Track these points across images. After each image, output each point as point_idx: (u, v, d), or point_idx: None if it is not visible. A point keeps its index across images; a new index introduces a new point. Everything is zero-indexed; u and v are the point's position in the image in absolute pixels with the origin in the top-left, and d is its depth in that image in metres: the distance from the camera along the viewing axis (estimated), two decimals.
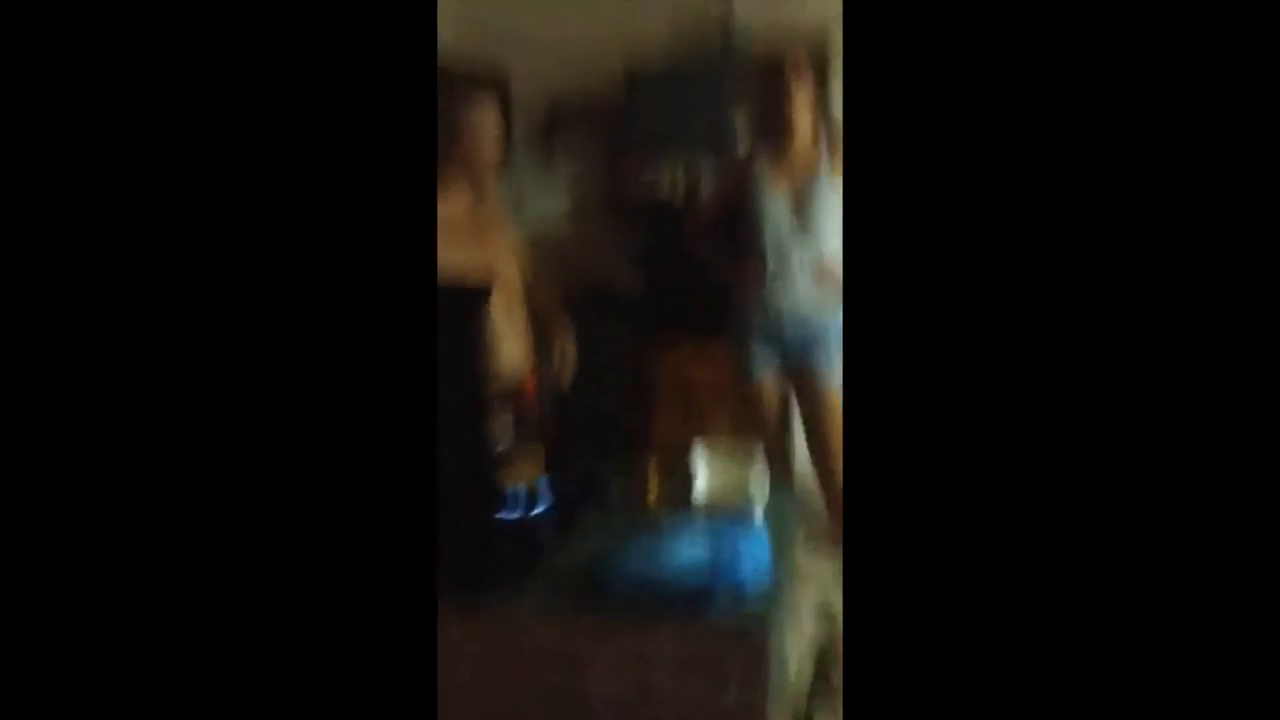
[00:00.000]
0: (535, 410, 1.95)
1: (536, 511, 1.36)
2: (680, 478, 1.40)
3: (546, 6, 3.29)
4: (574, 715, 1.07)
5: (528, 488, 1.39)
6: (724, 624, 1.05)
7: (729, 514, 1.31)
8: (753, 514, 1.32)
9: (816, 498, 2.13)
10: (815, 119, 1.98)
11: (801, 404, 2.13)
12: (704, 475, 1.42)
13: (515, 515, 1.35)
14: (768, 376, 2.12)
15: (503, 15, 3.32)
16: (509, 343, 1.82)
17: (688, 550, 1.11)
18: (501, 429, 1.79)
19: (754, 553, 1.12)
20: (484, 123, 1.73)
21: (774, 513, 1.37)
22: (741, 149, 2.21)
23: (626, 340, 3.24)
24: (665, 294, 3.08)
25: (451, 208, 1.75)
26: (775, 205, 2.00)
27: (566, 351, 1.97)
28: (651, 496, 1.40)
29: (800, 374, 2.09)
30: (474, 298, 1.73)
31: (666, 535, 1.16)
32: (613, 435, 3.38)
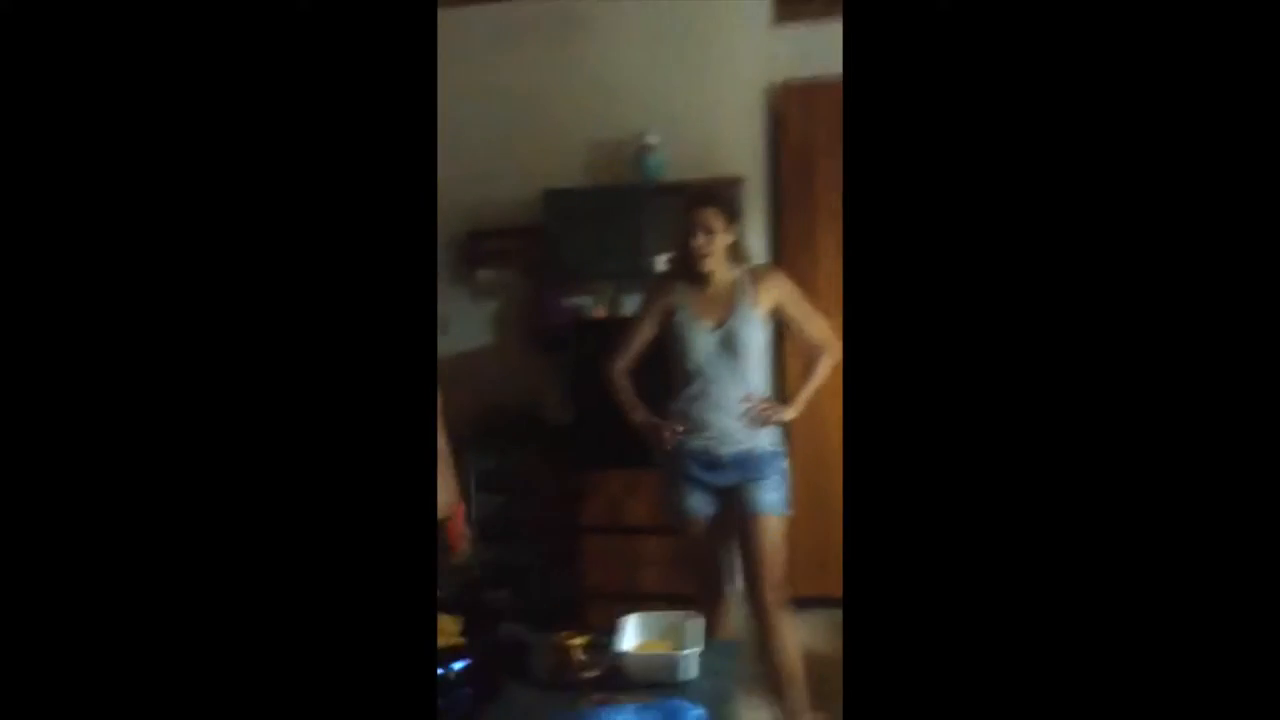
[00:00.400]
0: (459, 551, 1.80)
1: (456, 667, 1.22)
2: (607, 646, 1.27)
3: (467, 134, 3.32)
4: None
5: (451, 648, 1.24)
6: None
7: (659, 685, 1.18)
8: (682, 686, 1.19)
9: (755, 637, 2.00)
10: (730, 257, 1.99)
11: (740, 538, 2.01)
12: (632, 643, 1.29)
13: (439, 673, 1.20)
14: (701, 509, 2.03)
15: None
16: (438, 479, 1.69)
17: None
18: None
19: None
20: None
21: (711, 672, 1.25)
22: (660, 281, 2.16)
23: (554, 471, 3.12)
24: (594, 422, 2.99)
25: None
26: (700, 338, 1.96)
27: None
28: (577, 667, 1.26)
29: (735, 506, 1.99)
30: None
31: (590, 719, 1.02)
32: (538, 584, 3.20)
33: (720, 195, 2.01)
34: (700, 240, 1.91)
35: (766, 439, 1.98)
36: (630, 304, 3.18)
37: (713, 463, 1.98)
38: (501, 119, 3.28)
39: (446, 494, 1.76)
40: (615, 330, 3.03)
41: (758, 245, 3.08)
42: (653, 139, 3.07)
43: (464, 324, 3.39)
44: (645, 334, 2.10)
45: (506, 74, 3.29)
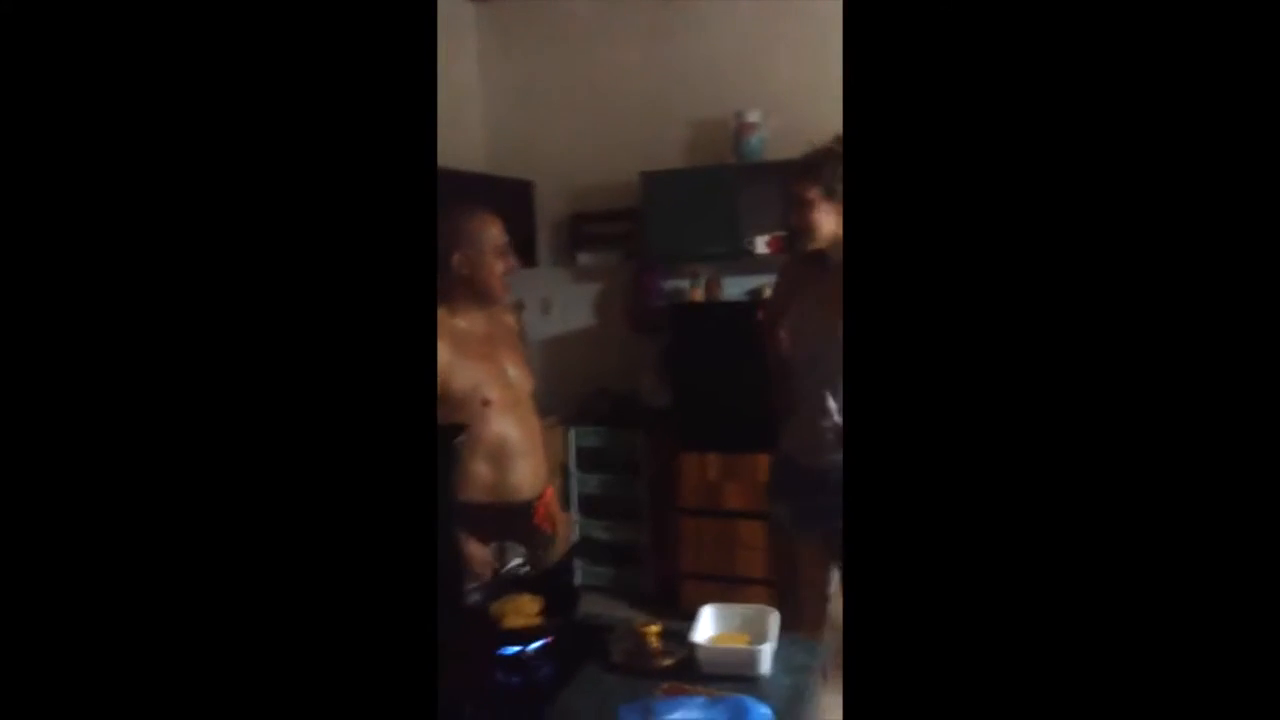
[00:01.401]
0: (547, 531, 1.84)
1: (534, 646, 1.25)
2: (683, 635, 1.27)
3: (569, 119, 3.36)
4: None
5: (528, 628, 1.28)
6: None
7: (733, 678, 1.18)
8: (756, 681, 1.18)
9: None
10: (826, 231, 1.74)
11: (831, 552, 1.80)
12: (709, 634, 1.29)
13: (512, 652, 1.24)
14: (790, 522, 1.83)
15: (530, 129, 3.41)
16: (526, 459, 1.74)
17: None
18: (509, 551, 1.69)
19: None
20: (486, 238, 1.70)
21: (790, 668, 1.23)
22: (788, 261, 1.96)
23: (654, 452, 3.14)
24: (691, 405, 2.99)
25: (460, 323, 1.71)
26: (804, 327, 1.78)
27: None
28: (652, 654, 1.27)
29: (826, 522, 1.76)
30: (477, 410, 1.66)
31: (654, 716, 1.03)
32: (636, 563, 3.25)
33: (816, 164, 1.72)
34: (796, 215, 1.74)
35: None
36: (730, 287, 3.15)
37: (797, 479, 1.81)
38: (602, 101, 3.30)
39: (537, 475, 1.80)
40: (712, 313, 3.03)
41: None
42: (753, 117, 3.01)
43: (566, 306, 3.46)
44: (779, 298, 1.92)
45: (605, 56, 3.30)
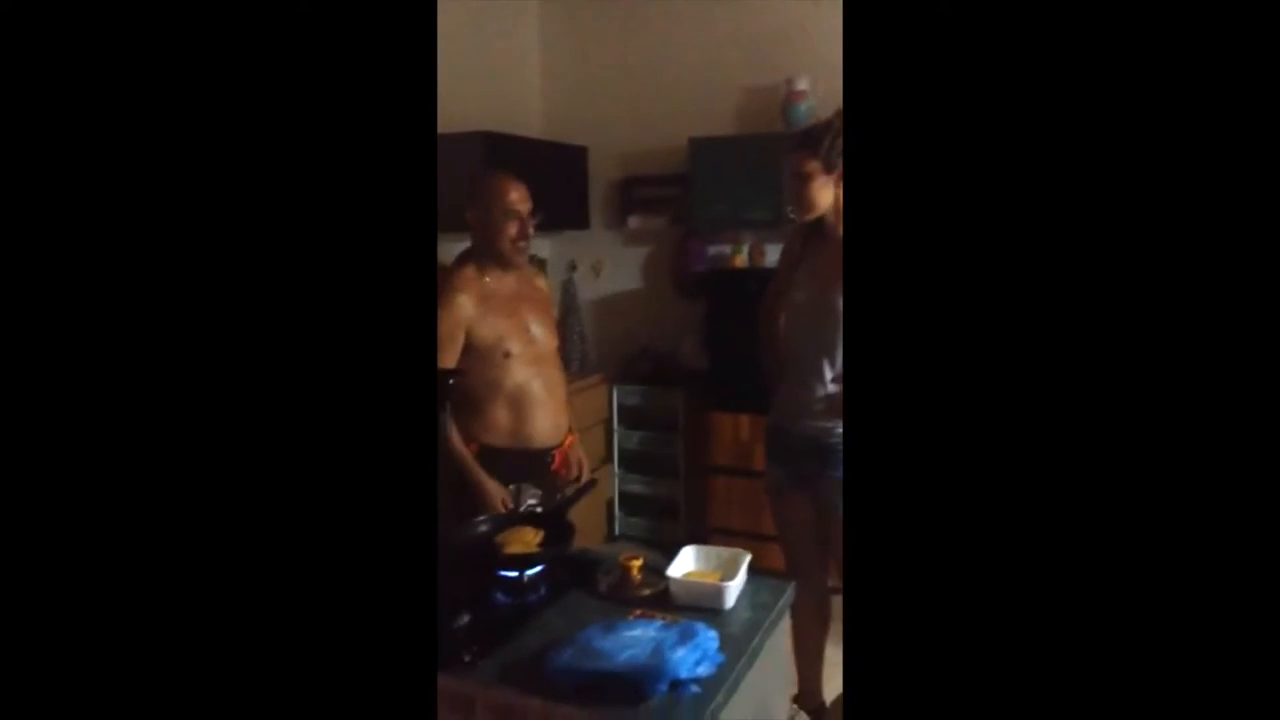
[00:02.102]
0: (565, 477, 2.00)
1: (530, 572, 1.41)
2: (660, 574, 1.41)
3: (623, 87, 3.44)
4: None
5: (527, 557, 1.44)
6: None
7: (700, 608, 1.31)
8: (722, 613, 1.30)
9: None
10: (827, 208, 1.75)
11: (825, 533, 1.87)
12: (685, 570, 1.41)
13: (511, 575, 1.40)
14: (782, 489, 1.91)
15: (586, 96, 3.52)
16: (544, 409, 1.89)
17: (626, 651, 1.11)
18: (524, 492, 1.86)
19: (694, 660, 1.10)
20: (497, 200, 1.83)
21: (756, 605, 1.35)
22: (794, 231, 1.93)
23: (690, 412, 3.26)
24: (726, 368, 3.08)
25: (493, 282, 1.86)
26: (796, 299, 1.81)
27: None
28: (634, 585, 1.41)
29: (819, 498, 1.84)
30: (499, 362, 1.82)
31: (612, 632, 1.17)
32: (670, 516, 3.38)
33: (814, 136, 1.73)
34: (794, 187, 1.74)
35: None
36: (773, 253, 3.20)
37: (789, 442, 1.86)
38: (655, 70, 3.37)
39: (557, 425, 1.94)
40: (752, 280, 3.09)
41: None
42: (802, 84, 3.03)
43: (615, 268, 3.58)
44: (778, 281, 1.94)
45: (659, 26, 3.35)
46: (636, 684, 1.07)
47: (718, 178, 3.11)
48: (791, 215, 1.83)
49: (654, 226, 3.45)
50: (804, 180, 1.74)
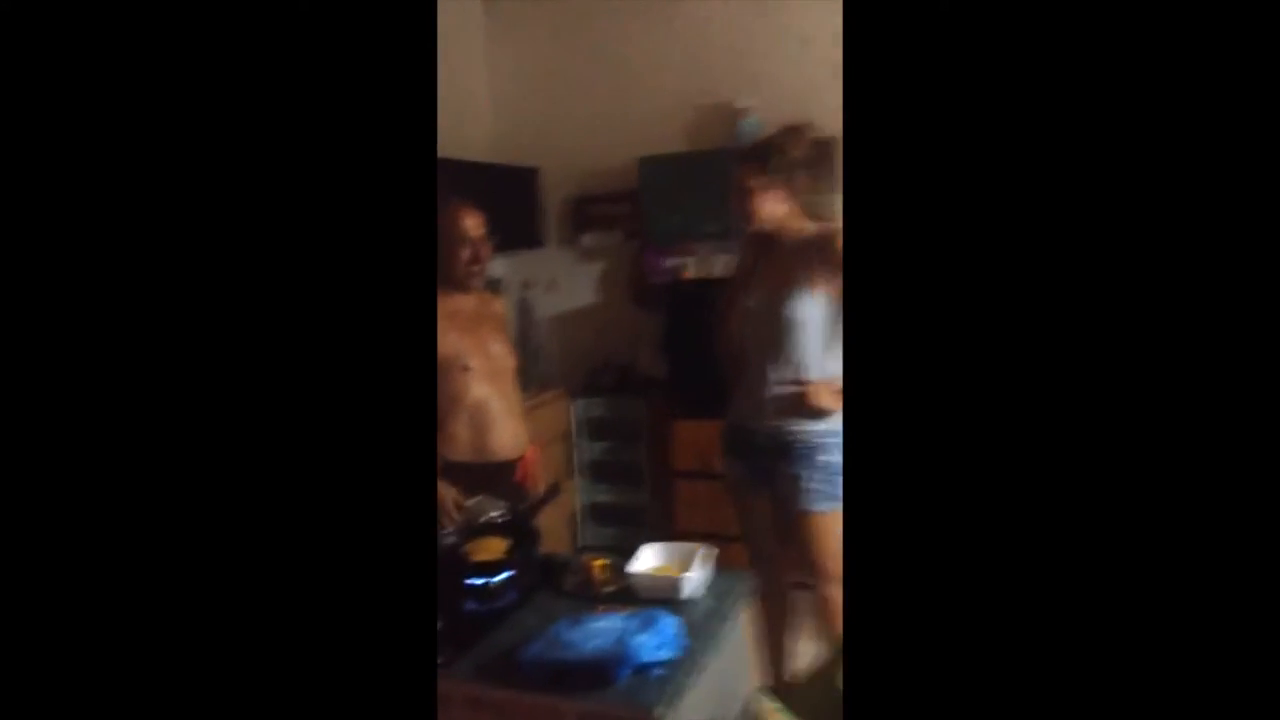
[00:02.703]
0: (528, 489, 2.06)
1: (498, 578, 1.47)
2: (622, 570, 1.48)
3: (572, 107, 3.54)
4: None
5: (494, 563, 1.50)
6: (619, 712, 1.11)
7: (664, 601, 1.38)
8: (683, 604, 1.38)
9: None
10: (791, 220, 1.84)
11: (785, 530, 1.95)
12: (646, 567, 1.49)
13: (479, 582, 1.46)
14: (744, 487, 1.99)
15: (535, 118, 3.60)
16: (503, 423, 1.96)
17: (592, 641, 1.18)
18: (487, 505, 1.91)
19: (656, 644, 1.18)
20: (453, 227, 1.91)
21: (718, 594, 1.43)
22: (746, 242, 2.03)
23: (651, 420, 3.35)
24: (685, 375, 3.18)
25: (452, 302, 1.92)
26: (747, 305, 1.89)
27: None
28: (598, 584, 1.48)
29: (778, 495, 1.92)
30: (457, 375, 1.89)
31: (578, 624, 1.24)
32: (634, 529, 3.45)
33: (760, 150, 1.81)
34: (735, 201, 1.82)
35: (810, 426, 1.82)
36: (722, 265, 3.31)
37: (747, 441, 1.93)
38: (603, 90, 3.47)
39: (517, 438, 2.01)
40: (706, 290, 3.19)
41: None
42: (746, 102, 3.15)
43: (572, 284, 3.65)
44: (732, 290, 2.00)
45: (606, 46, 3.45)
46: (603, 670, 1.14)
47: (669, 194, 3.21)
48: (741, 226, 1.92)
49: (607, 243, 3.53)
50: (745, 194, 1.83)
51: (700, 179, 3.15)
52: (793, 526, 1.91)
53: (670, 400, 3.21)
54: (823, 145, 2.84)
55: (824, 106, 3.12)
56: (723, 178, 3.06)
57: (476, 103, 3.62)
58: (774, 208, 1.84)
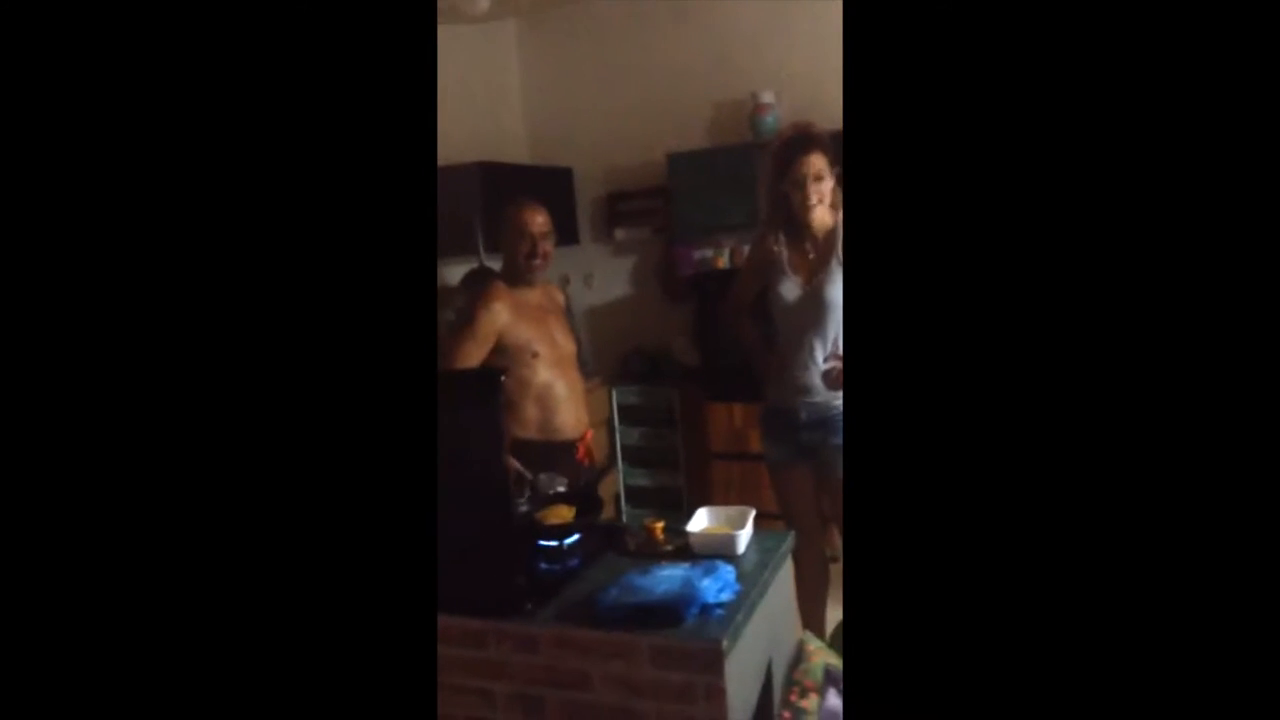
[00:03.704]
0: (587, 465, 2.24)
1: (568, 541, 1.65)
2: (681, 530, 1.66)
3: (602, 109, 3.71)
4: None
5: (564, 527, 1.68)
6: (694, 647, 1.29)
7: (717, 557, 1.55)
8: (734, 559, 1.55)
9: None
10: (826, 206, 1.98)
11: (829, 502, 2.10)
12: (700, 527, 1.66)
13: (552, 544, 1.64)
14: (785, 464, 2.13)
15: (567, 121, 3.77)
16: (567, 406, 2.15)
17: (661, 585, 1.35)
18: (553, 480, 2.10)
19: (718, 587, 1.35)
20: (514, 225, 2.10)
21: (762, 550, 1.61)
22: (764, 230, 2.17)
23: (686, 405, 3.52)
24: (718, 361, 3.34)
25: (521, 294, 2.11)
26: (787, 290, 2.04)
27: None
28: (658, 543, 1.66)
29: (822, 467, 2.07)
30: (527, 361, 2.08)
31: (648, 573, 1.41)
32: (672, 510, 3.63)
33: (824, 139, 1.95)
34: (809, 187, 1.94)
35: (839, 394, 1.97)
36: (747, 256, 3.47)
37: (791, 420, 2.07)
38: (630, 91, 3.63)
39: (579, 419, 2.20)
40: (734, 280, 3.35)
41: None
42: (767, 98, 3.30)
43: (605, 278, 3.83)
44: (748, 283, 2.19)
45: (631, 51, 3.62)
46: (673, 610, 1.31)
47: (696, 188, 3.37)
48: (794, 214, 2.03)
49: (639, 237, 3.70)
50: (823, 181, 1.96)
51: (725, 173, 3.30)
52: (837, 495, 2.07)
53: (703, 386, 3.38)
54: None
55: (839, 98, 3.26)
56: (746, 171, 3.26)
57: (513, 110, 3.80)
58: (829, 193, 1.99)
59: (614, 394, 3.65)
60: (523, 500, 1.83)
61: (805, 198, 1.98)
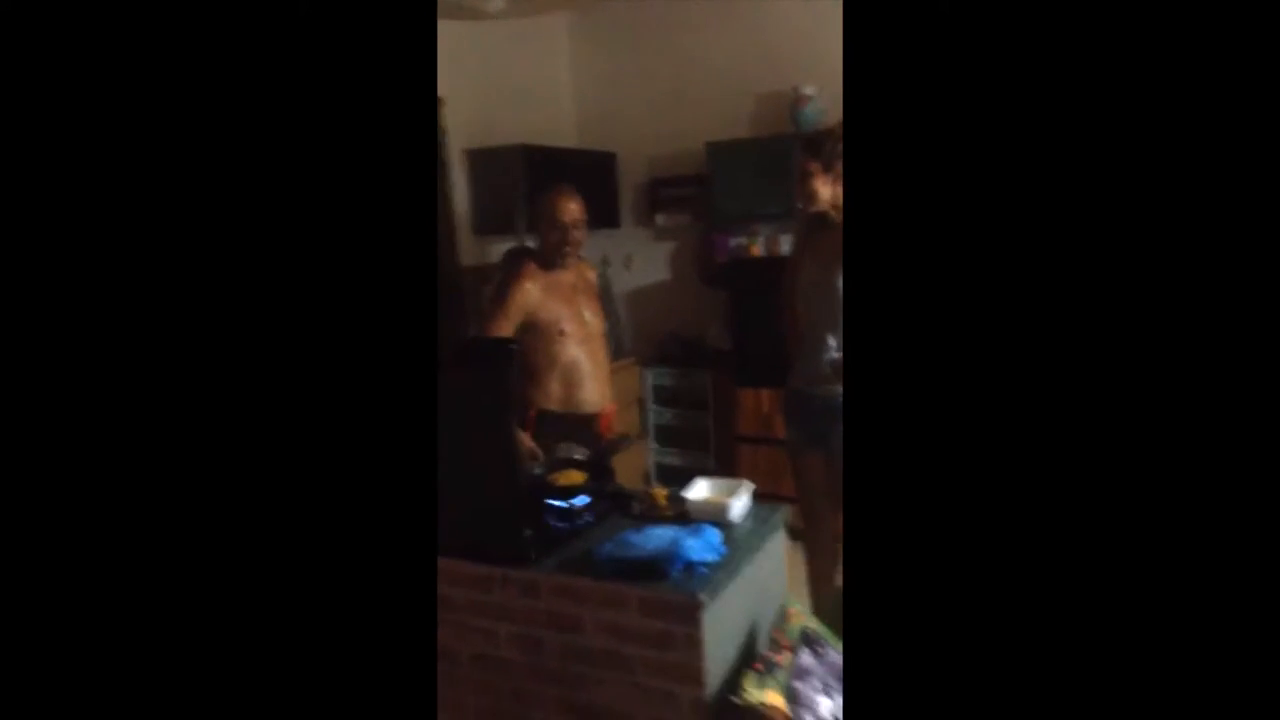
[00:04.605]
0: (608, 436, 2.37)
1: (577, 502, 1.77)
2: (681, 497, 1.77)
3: (647, 97, 3.81)
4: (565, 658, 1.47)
5: (574, 488, 1.81)
6: (675, 600, 1.40)
7: (712, 522, 1.66)
8: (728, 525, 1.66)
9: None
10: (838, 200, 2.05)
11: (831, 468, 2.15)
12: (699, 496, 1.77)
13: (561, 504, 1.77)
14: (801, 448, 2.23)
15: (614, 108, 3.88)
16: (591, 380, 2.28)
17: (652, 543, 1.46)
18: (570, 447, 2.23)
19: (702, 547, 1.46)
20: (548, 212, 2.22)
21: (758, 520, 1.71)
22: (801, 222, 2.28)
23: (716, 389, 3.61)
24: (750, 347, 3.43)
25: (554, 275, 2.24)
26: (805, 278, 2.13)
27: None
28: (661, 509, 1.77)
29: (831, 455, 2.13)
30: (555, 338, 2.21)
31: (641, 532, 1.53)
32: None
33: (817, 141, 2.10)
34: (799, 185, 2.11)
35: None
36: (786, 243, 3.53)
37: (806, 405, 2.18)
38: (673, 78, 3.72)
39: (603, 394, 2.32)
40: (769, 268, 3.42)
41: None
42: (808, 90, 3.35)
43: (645, 261, 3.94)
44: (794, 268, 2.25)
45: (678, 41, 3.70)
46: (660, 564, 1.43)
47: (734, 177, 3.44)
48: (799, 206, 2.18)
49: (678, 223, 3.80)
50: (807, 178, 2.09)
51: (763, 162, 3.37)
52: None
53: (734, 370, 3.47)
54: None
55: None
56: (784, 161, 3.32)
57: (561, 95, 3.93)
58: (824, 190, 2.09)
59: (649, 375, 3.76)
60: (538, 465, 1.96)
61: (802, 191, 2.07)
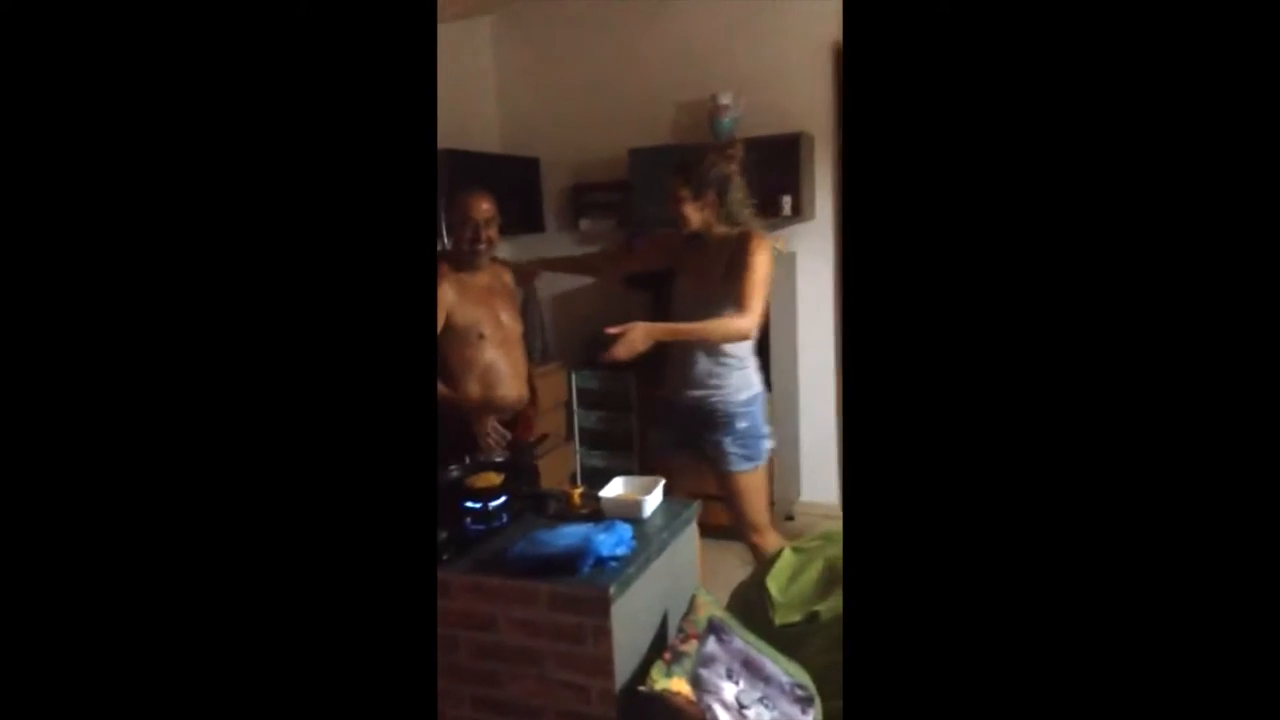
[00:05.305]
0: (525, 439, 2.39)
1: (493, 503, 1.79)
2: (596, 496, 1.81)
3: (570, 103, 3.85)
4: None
5: (491, 490, 1.83)
6: (584, 594, 1.43)
7: (626, 519, 1.71)
8: (641, 521, 1.71)
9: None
10: (719, 220, 2.10)
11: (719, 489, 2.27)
12: (614, 494, 1.82)
13: (477, 505, 1.79)
14: (670, 453, 2.33)
15: (537, 113, 3.91)
16: (509, 382, 2.29)
17: (563, 540, 1.50)
18: (492, 444, 2.24)
19: (613, 543, 1.50)
20: (459, 213, 2.24)
21: (670, 516, 1.76)
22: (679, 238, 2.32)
23: (641, 391, 3.67)
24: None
25: (468, 277, 2.25)
26: (677, 291, 2.23)
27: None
28: (576, 507, 1.81)
29: (709, 460, 2.22)
30: (474, 342, 2.22)
31: (554, 530, 1.56)
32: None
33: (687, 166, 2.15)
34: (670, 207, 2.17)
35: (725, 395, 2.14)
36: None
37: (670, 412, 2.28)
38: (596, 85, 3.77)
39: (520, 396, 2.34)
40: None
41: (824, 203, 3.42)
42: (725, 99, 3.44)
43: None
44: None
45: (601, 45, 3.76)
46: (570, 561, 1.46)
47: (657, 183, 3.50)
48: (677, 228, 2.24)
49: (602, 228, 3.84)
50: (677, 203, 2.16)
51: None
52: (720, 485, 2.26)
53: (656, 373, 3.53)
54: (747, 157, 3.04)
55: (799, 104, 3.43)
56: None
57: (485, 100, 3.94)
58: (694, 215, 2.17)
59: (574, 378, 3.79)
60: (454, 467, 1.98)
61: (673, 213, 2.16)
